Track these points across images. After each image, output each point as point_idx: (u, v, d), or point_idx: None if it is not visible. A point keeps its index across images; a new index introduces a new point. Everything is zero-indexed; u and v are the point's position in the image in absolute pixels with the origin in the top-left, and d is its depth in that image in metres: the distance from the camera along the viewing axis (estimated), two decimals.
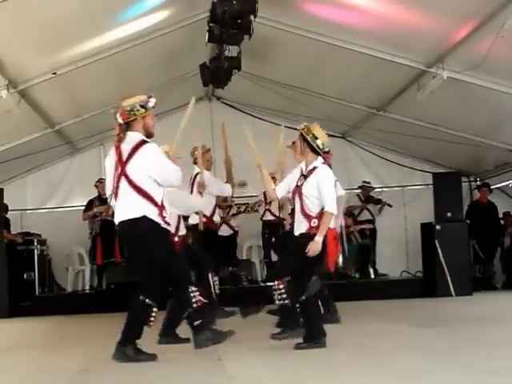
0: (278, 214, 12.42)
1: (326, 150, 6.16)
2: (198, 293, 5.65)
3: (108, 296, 11.62)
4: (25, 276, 11.44)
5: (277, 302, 6.11)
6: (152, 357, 5.69)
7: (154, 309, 5.61)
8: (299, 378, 4.90)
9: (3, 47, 8.08)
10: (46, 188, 13.71)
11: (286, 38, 9.69)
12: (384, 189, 13.55)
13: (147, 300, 5.57)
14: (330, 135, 13.03)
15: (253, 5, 8.41)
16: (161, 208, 5.62)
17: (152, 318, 5.61)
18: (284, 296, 6.02)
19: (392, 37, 8.85)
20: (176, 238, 6.10)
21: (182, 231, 7.67)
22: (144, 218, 5.54)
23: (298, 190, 6.07)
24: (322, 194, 5.92)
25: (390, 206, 13.12)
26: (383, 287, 11.91)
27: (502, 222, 13.15)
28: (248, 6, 8.43)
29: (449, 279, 11.18)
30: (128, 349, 5.61)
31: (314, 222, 5.92)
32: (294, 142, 6.80)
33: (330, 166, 6.23)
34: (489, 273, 12.68)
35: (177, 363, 5.50)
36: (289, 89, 11.42)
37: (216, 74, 10.54)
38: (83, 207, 12.56)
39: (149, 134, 5.71)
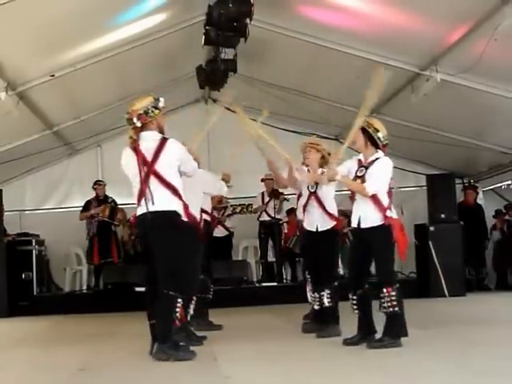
0: (273, 215, 12.55)
1: (385, 143, 6.13)
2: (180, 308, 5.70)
3: (105, 296, 11.69)
4: (23, 276, 11.49)
5: (384, 310, 5.90)
6: (192, 353, 5.69)
7: (179, 299, 5.64)
8: (295, 377, 4.91)
9: (2, 49, 8.11)
10: (45, 189, 13.79)
11: (281, 41, 9.75)
12: None
13: (171, 292, 5.60)
14: (323, 137, 13.08)
15: (248, 8, 8.47)
16: (185, 203, 5.78)
17: (178, 310, 5.64)
18: (394, 303, 5.89)
19: (386, 39, 8.88)
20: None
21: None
22: (175, 212, 5.69)
23: (359, 179, 6.09)
24: (372, 176, 5.96)
25: None
26: None
27: (494, 220, 13.19)
28: (244, 8, 8.50)
29: (442, 280, 11.22)
30: (168, 346, 5.59)
31: (386, 211, 5.96)
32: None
33: None
34: (482, 274, 12.73)
35: (172, 363, 5.49)
36: (284, 91, 11.47)
37: (212, 76, 10.62)
38: (81, 208, 12.65)
39: (162, 132, 5.87)
